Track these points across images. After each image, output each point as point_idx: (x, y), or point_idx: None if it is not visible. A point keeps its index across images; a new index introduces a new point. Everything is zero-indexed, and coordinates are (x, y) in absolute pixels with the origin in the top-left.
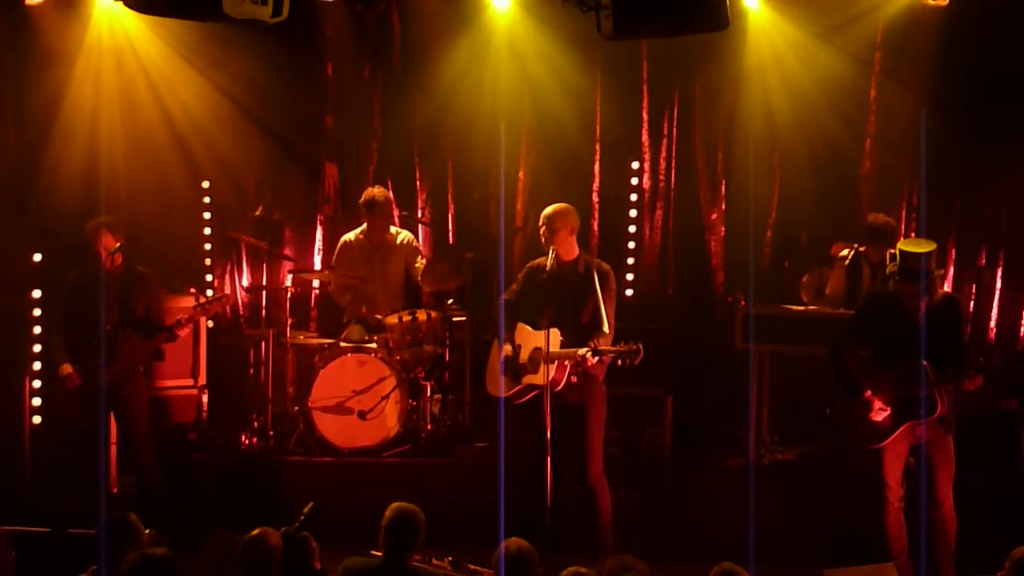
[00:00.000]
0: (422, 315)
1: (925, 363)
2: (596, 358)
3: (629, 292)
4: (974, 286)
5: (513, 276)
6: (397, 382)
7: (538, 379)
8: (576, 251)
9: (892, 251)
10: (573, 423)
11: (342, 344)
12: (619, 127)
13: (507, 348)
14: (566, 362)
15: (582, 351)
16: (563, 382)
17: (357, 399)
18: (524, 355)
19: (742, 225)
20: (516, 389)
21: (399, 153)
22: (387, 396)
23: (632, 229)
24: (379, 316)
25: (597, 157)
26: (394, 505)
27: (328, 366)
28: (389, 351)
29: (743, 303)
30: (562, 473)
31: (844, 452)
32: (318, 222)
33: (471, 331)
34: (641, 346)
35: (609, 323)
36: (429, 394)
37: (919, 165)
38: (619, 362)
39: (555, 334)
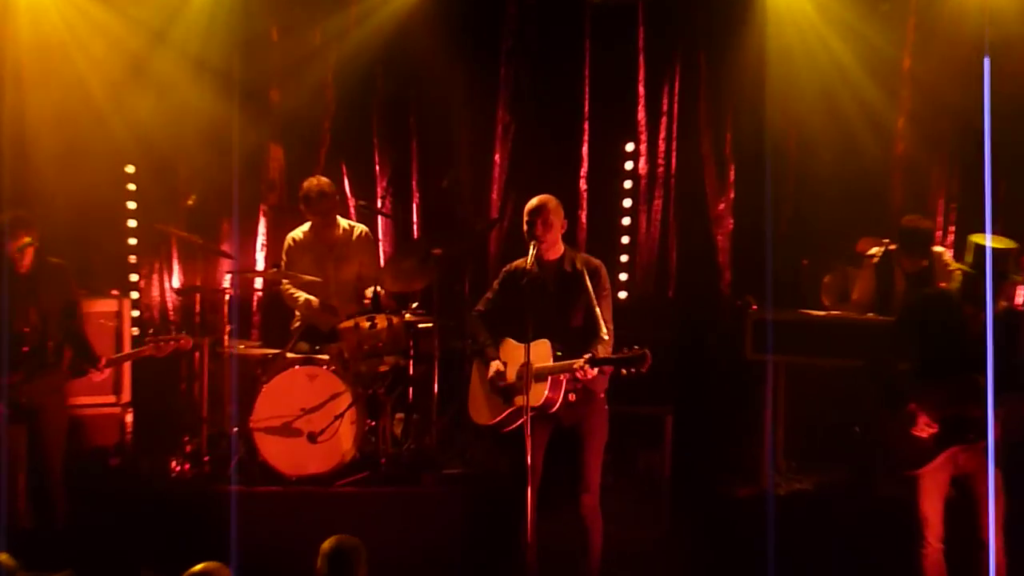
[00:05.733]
0: (382, 321)
1: (982, 377)
2: (595, 369)
3: (623, 295)
4: None
5: (486, 275)
6: (353, 399)
7: (531, 400)
8: (561, 248)
9: (963, 258)
10: (569, 448)
11: (289, 355)
12: (611, 102)
13: (496, 365)
14: (561, 377)
15: (579, 362)
16: (559, 402)
17: (306, 419)
18: (511, 373)
19: (754, 217)
20: (506, 413)
21: (356, 133)
22: (341, 415)
23: (626, 222)
24: (333, 322)
25: (585, 138)
26: (332, 538)
27: (273, 381)
28: (344, 363)
29: (755, 307)
30: (550, 504)
31: (874, 480)
32: (261, 213)
33: (439, 339)
34: (648, 351)
35: (607, 327)
36: (390, 413)
37: (963, 145)
38: (623, 371)
39: (544, 346)
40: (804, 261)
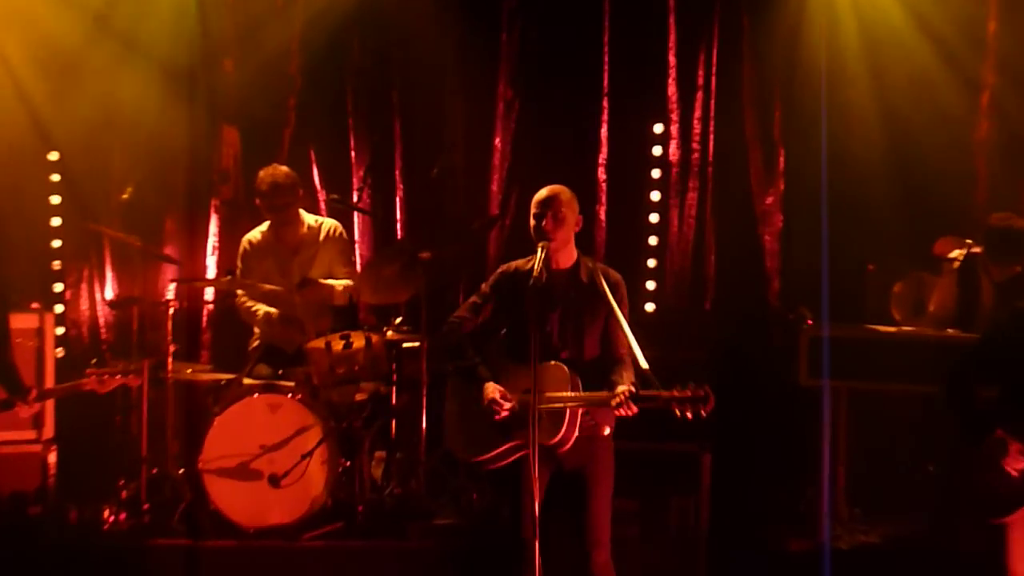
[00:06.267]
0: (359, 340)
1: None
2: (636, 407)
3: (650, 307)
4: None
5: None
6: (323, 434)
7: (538, 437)
8: (574, 253)
9: None
10: (570, 495)
11: (246, 381)
12: (635, 74)
13: (491, 389)
14: (580, 411)
15: (620, 393)
16: (572, 440)
17: (267, 458)
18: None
19: (808, 213)
20: (502, 449)
21: (326, 111)
22: (310, 454)
23: (654, 219)
24: (299, 341)
25: (605, 118)
26: None
27: (226, 412)
28: (312, 390)
29: (810, 322)
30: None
31: (954, 530)
32: (212, 209)
33: (427, 362)
34: (710, 391)
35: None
36: (369, 450)
37: None
38: (678, 412)
39: (559, 371)
40: (870, 266)
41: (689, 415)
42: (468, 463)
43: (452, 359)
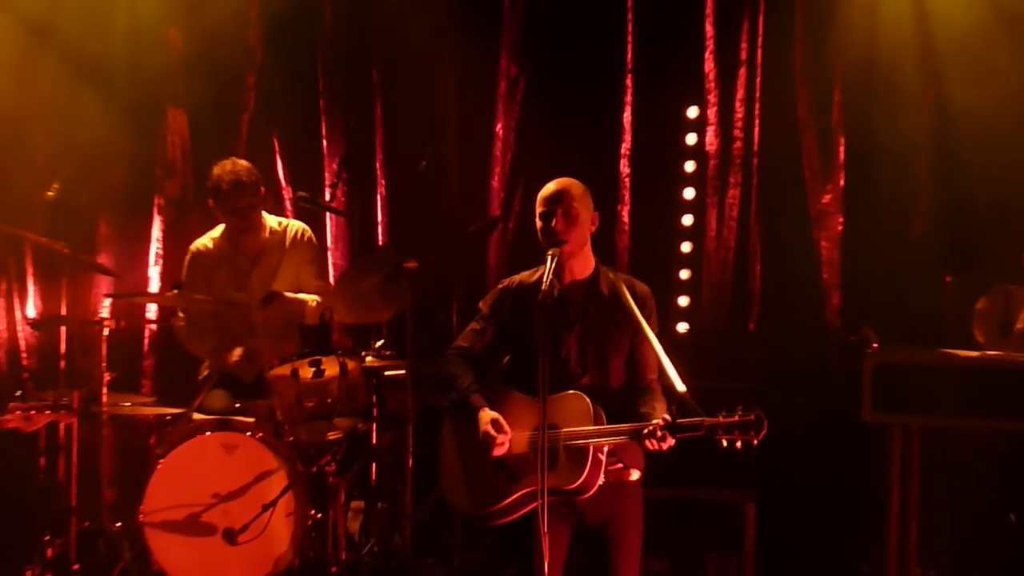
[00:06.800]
0: (331, 367)
1: None
2: (674, 438)
3: (682, 328)
4: None
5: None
6: (290, 480)
7: (554, 481)
8: (591, 261)
9: None
10: (591, 554)
11: (196, 416)
12: (665, 47)
13: (484, 419)
14: (603, 452)
15: (653, 423)
16: (596, 486)
17: (222, 509)
18: (520, 441)
19: (874, 214)
20: (511, 500)
21: (293, 92)
22: (272, 504)
23: (687, 220)
24: (260, 367)
25: (628, 98)
26: None
27: (172, 454)
28: (276, 428)
29: (876, 345)
30: None
31: None
32: (155, 209)
33: (414, 394)
34: (762, 413)
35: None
36: (344, 500)
37: None
38: (724, 442)
39: (579, 402)
40: (947, 278)
41: (739, 444)
42: (470, 517)
43: (446, 392)
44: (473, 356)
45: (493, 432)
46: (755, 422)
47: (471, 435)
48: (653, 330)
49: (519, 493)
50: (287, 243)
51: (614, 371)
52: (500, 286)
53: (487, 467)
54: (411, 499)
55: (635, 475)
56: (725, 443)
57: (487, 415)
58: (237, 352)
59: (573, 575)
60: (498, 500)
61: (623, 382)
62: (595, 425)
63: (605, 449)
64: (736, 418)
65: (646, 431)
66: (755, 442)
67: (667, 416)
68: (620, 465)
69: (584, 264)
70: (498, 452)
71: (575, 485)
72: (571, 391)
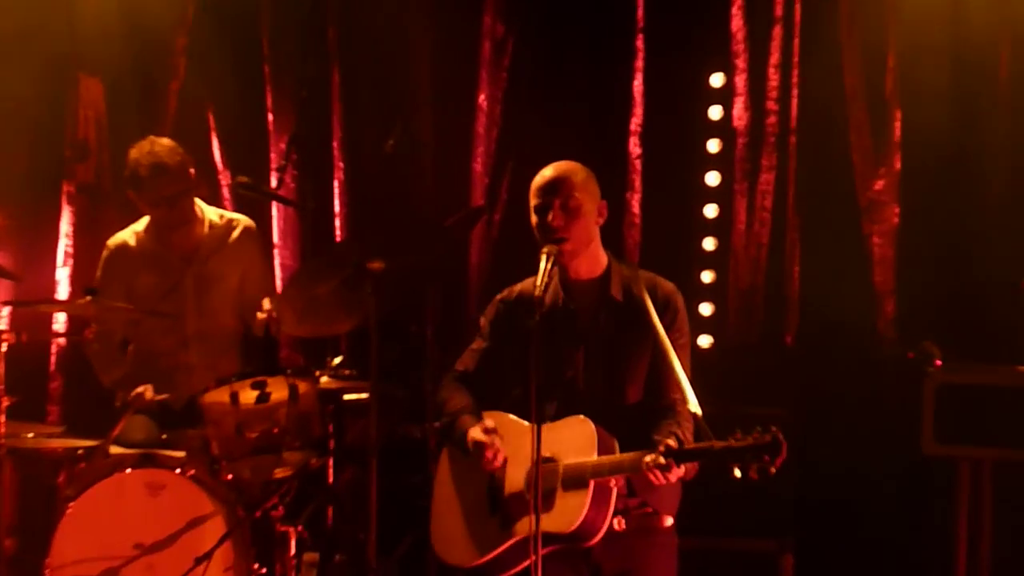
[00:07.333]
0: (279, 390)
1: None
2: (681, 468)
3: (705, 341)
4: None
5: (464, 307)
6: (228, 527)
7: (550, 524)
8: (603, 259)
9: None
10: None
11: (114, 450)
12: (685, 3)
13: (476, 431)
14: (611, 485)
15: (653, 454)
16: (604, 529)
17: (145, 562)
18: (516, 477)
19: (936, 203)
20: (504, 547)
21: (232, 56)
22: (208, 556)
23: (710, 212)
24: (192, 391)
25: (639, 64)
26: None
27: (85, 495)
28: (212, 464)
29: (939, 363)
30: None
31: None
32: (63, 199)
33: (379, 422)
34: (779, 433)
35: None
36: (295, 552)
37: None
38: (737, 471)
39: (583, 428)
40: (1022, 282)
41: (754, 474)
42: (459, 571)
43: (439, 420)
44: (471, 378)
45: (484, 437)
46: (771, 444)
47: (463, 469)
48: (681, 338)
49: (511, 541)
50: (230, 240)
51: (632, 391)
52: (498, 298)
53: (480, 509)
54: (375, 550)
55: (668, 521)
56: (738, 473)
57: (478, 429)
58: (148, 391)
59: None
60: (489, 550)
61: (637, 405)
62: (598, 455)
63: (613, 484)
64: (751, 440)
65: (646, 460)
66: (772, 469)
67: (671, 441)
68: (649, 509)
69: (592, 263)
70: (494, 463)
71: (573, 529)
72: (576, 416)
